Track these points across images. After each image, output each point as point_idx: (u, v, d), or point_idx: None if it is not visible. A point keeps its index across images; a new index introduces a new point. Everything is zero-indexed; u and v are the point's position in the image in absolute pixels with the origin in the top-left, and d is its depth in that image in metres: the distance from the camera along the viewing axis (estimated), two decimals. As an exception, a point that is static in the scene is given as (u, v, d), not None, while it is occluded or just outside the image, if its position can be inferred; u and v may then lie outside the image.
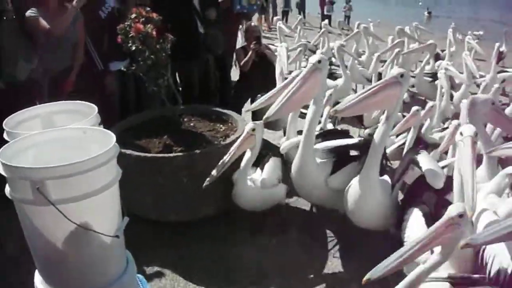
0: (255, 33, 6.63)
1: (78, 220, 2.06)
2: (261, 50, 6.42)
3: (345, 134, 4.89)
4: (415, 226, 3.13)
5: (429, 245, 2.29)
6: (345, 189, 3.74)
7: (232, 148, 3.84)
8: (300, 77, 3.70)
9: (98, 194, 2.12)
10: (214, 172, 3.75)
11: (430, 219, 2.99)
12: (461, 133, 2.95)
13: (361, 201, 3.57)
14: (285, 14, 21.40)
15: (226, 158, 3.79)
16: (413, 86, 8.95)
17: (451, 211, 2.29)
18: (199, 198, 3.99)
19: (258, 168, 4.22)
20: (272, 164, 4.22)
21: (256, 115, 5.30)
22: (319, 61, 3.71)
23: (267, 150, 4.43)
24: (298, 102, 3.81)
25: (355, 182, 3.64)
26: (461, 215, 2.27)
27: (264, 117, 3.58)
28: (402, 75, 3.41)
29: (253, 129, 3.88)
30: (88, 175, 2.03)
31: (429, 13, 28.45)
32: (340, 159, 4.04)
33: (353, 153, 4.11)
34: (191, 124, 4.74)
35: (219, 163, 3.76)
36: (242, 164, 3.99)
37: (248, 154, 3.99)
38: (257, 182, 4.04)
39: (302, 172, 3.88)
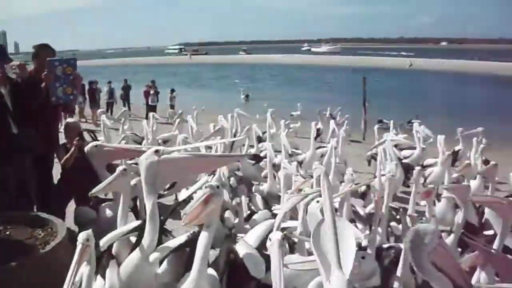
0: (76, 129, 6.44)
1: None
2: (84, 146, 6.20)
3: None
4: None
5: None
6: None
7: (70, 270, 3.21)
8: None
9: None
10: None
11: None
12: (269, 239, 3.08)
13: None
14: (110, 105, 21.31)
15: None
16: (238, 170, 9.24)
17: None
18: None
19: None
20: None
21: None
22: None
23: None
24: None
25: (188, 280, 3.47)
26: None
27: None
28: (218, 186, 3.45)
29: (87, 239, 3.31)
30: None
31: (247, 96, 30.75)
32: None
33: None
34: (7, 233, 4.34)
35: None
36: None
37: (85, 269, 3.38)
38: None
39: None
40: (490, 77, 49.59)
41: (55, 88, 5.57)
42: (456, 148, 10.13)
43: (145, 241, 3.64)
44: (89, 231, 3.50)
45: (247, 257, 3.57)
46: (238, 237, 3.84)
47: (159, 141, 11.39)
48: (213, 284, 3.56)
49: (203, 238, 3.45)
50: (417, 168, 6.75)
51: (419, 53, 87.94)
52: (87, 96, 21.01)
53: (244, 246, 3.74)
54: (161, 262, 3.83)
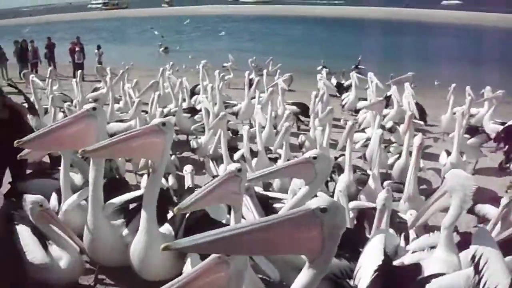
0: None
1: None
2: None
3: None
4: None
5: None
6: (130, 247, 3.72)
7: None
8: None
9: None
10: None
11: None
12: None
13: (145, 256, 3.56)
14: (34, 65, 20.33)
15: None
16: (175, 125, 9.22)
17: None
18: None
19: None
20: None
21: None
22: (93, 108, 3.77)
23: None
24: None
25: (136, 238, 3.62)
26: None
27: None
28: (164, 123, 3.50)
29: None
30: None
31: (166, 48, 30.91)
32: (130, 215, 4.05)
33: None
34: None
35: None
36: None
37: None
38: None
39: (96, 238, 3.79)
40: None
41: None
42: (388, 93, 10.57)
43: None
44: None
45: None
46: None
47: (90, 100, 11.14)
48: (166, 236, 3.67)
49: (150, 183, 3.55)
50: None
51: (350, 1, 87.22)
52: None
53: None
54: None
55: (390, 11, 64.26)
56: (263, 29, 49.64)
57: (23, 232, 3.90)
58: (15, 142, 3.60)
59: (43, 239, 3.95)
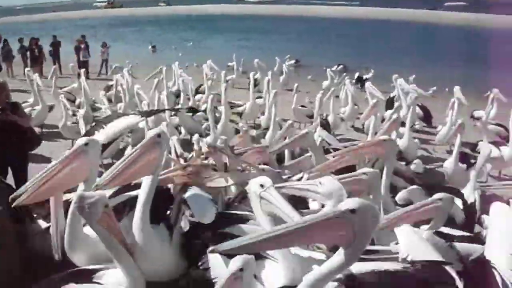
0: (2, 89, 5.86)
1: None
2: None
3: None
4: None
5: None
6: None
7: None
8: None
9: None
10: None
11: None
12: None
13: (141, 255, 3.39)
14: (40, 64, 20.25)
15: None
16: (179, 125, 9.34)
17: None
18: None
19: None
20: None
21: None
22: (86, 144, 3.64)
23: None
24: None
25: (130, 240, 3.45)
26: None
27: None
28: (159, 135, 3.46)
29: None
30: None
31: (153, 46, 31.45)
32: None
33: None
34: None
35: None
36: None
37: None
38: None
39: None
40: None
41: None
42: (391, 95, 10.52)
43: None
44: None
45: (193, 201, 3.60)
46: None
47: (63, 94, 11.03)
48: (161, 236, 3.55)
49: (146, 185, 3.46)
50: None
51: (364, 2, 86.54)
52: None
53: (194, 191, 3.74)
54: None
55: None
56: (266, 27, 49.45)
57: None
58: (10, 198, 3.52)
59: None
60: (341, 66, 19.29)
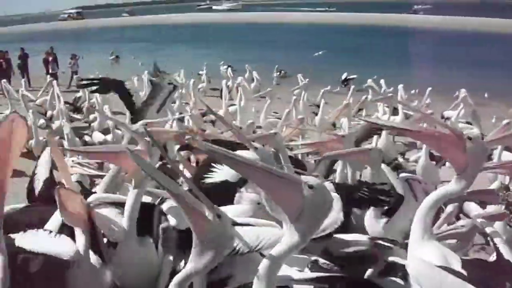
0: None
1: None
2: None
3: None
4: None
5: None
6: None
7: None
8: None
9: None
10: None
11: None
12: None
13: (127, 267, 3.35)
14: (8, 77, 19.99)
15: None
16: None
17: None
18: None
19: None
20: None
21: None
22: None
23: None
24: None
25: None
26: None
27: None
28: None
29: None
30: None
31: (116, 57, 31.71)
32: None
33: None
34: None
35: None
36: None
37: None
38: None
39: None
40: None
41: None
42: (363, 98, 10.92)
43: None
44: None
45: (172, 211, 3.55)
46: None
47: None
48: (147, 248, 3.51)
49: (131, 197, 3.39)
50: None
51: (341, 8, 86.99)
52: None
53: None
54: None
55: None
56: (240, 37, 49.75)
57: None
58: None
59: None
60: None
